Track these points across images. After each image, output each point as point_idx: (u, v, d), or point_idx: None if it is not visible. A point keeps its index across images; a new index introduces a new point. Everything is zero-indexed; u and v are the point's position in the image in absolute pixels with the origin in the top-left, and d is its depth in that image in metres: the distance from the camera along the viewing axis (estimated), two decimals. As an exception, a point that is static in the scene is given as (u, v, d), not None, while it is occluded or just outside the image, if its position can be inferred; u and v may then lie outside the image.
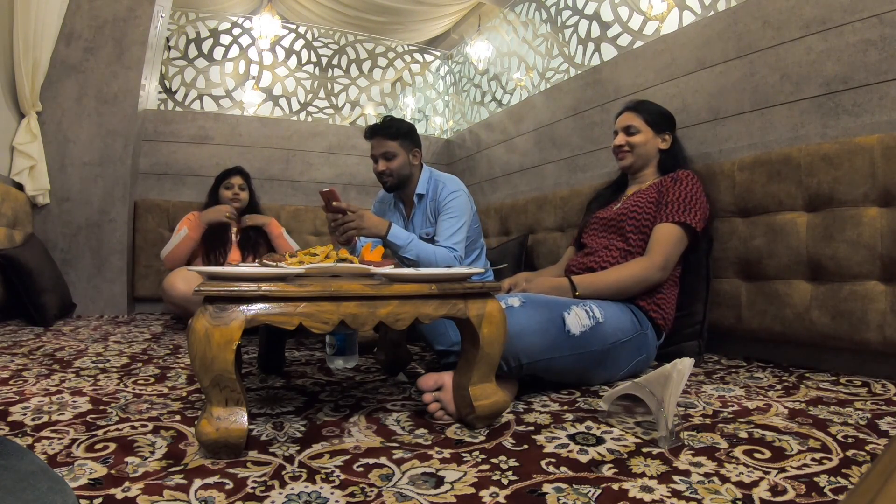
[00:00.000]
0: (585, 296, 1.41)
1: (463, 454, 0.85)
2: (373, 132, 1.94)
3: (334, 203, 1.67)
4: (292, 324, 0.84)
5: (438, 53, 4.66)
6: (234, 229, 2.57)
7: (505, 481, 0.74)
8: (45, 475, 0.40)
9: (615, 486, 0.72)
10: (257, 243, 2.60)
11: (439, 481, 0.74)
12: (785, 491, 0.70)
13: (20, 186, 2.54)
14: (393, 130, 1.92)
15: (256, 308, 0.82)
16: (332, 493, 0.70)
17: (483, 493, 0.70)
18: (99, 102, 2.77)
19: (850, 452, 0.83)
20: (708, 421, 1.01)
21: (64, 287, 2.59)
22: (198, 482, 0.72)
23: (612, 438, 0.92)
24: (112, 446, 0.85)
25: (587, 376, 1.29)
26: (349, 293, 0.87)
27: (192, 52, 3.78)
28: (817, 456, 0.82)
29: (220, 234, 2.50)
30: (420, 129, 4.54)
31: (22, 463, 0.39)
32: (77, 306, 2.68)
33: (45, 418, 0.99)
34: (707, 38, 1.94)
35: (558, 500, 0.68)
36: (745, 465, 0.79)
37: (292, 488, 0.71)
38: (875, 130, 1.42)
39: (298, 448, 0.86)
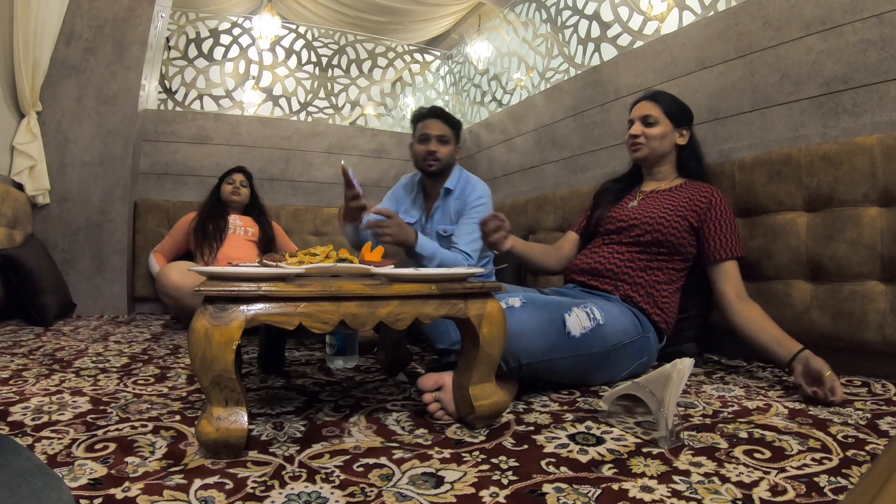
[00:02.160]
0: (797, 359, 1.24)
1: (463, 454, 0.85)
2: (436, 114, 1.97)
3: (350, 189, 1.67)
4: (292, 324, 0.84)
5: (438, 53, 4.66)
6: (231, 218, 2.58)
7: (505, 481, 0.74)
8: (41, 472, 0.40)
9: (615, 486, 0.72)
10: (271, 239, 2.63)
11: (439, 481, 0.74)
12: (785, 491, 0.70)
13: (20, 186, 2.54)
14: (451, 119, 1.97)
15: (256, 308, 0.82)
16: (332, 493, 0.70)
17: (483, 493, 0.70)
18: (99, 102, 2.77)
19: (850, 452, 0.83)
20: (708, 421, 1.01)
21: (64, 287, 2.59)
22: (198, 482, 0.72)
23: (612, 438, 0.92)
24: (112, 446, 0.85)
25: (587, 377, 1.29)
26: (349, 293, 0.87)
27: (192, 52, 3.79)
28: (817, 456, 0.82)
29: (217, 223, 2.50)
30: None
31: (18, 460, 0.39)
32: (77, 306, 2.68)
33: (45, 418, 0.99)
34: (707, 38, 1.94)
35: (558, 500, 0.68)
36: (745, 465, 0.79)
37: (292, 488, 0.71)
38: (875, 130, 1.42)
39: (298, 448, 0.86)
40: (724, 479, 0.74)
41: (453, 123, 1.98)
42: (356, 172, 1.64)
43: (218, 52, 3.89)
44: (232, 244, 2.49)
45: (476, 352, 0.97)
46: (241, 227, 2.58)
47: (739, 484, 0.72)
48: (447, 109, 2.10)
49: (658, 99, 1.62)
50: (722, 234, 1.47)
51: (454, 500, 0.69)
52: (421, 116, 2.00)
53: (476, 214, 1.86)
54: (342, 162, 1.68)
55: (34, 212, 2.65)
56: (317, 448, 0.86)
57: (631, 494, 0.70)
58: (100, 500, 0.66)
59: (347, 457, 0.83)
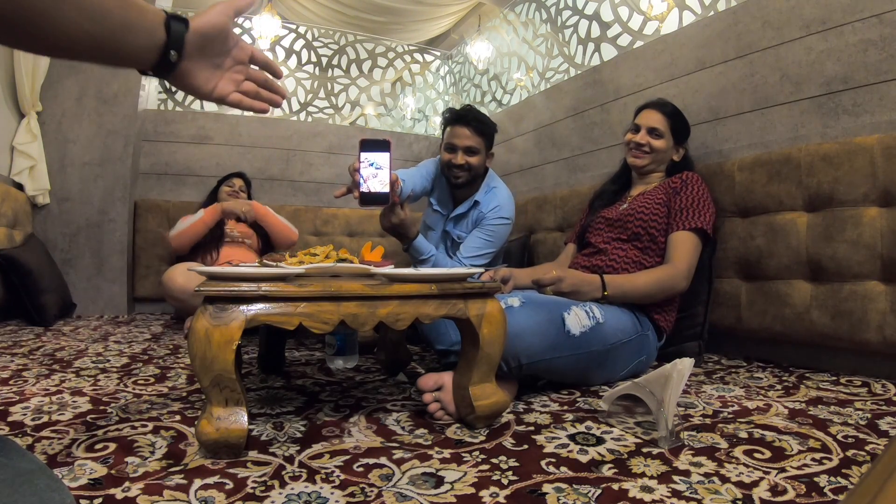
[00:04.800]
0: (614, 297, 1.37)
1: (463, 454, 0.85)
2: (464, 120, 1.77)
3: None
4: (292, 324, 0.84)
5: (438, 53, 4.66)
6: (228, 228, 2.57)
7: (505, 481, 0.74)
8: (44, 474, 0.41)
9: (615, 486, 0.72)
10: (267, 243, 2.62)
11: (439, 481, 0.74)
12: (785, 491, 0.70)
13: (20, 186, 2.54)
14: (483, 126, 1.78)
15: (256, 308, 0.82)
16: (332, 493, 0.70)
17: (483, 493, 0.70)
18: (99, 102, 2.77)
19: (850, 452, 0.83)
20: (708, 421, 1.01)
21: (64, 287, 2.59)
22: (198, 482, 0.72)
23: (612, 438, 0.92)
24: (112, 446, 0.85)
25: (587, 376, 1.29)
26: (349, 293, 0.87)
27: (192, 52, 3.78)
28: (817, 456, 0.82)
29: (213, 232, 2.50)
30: (420, 129, 4.55)
31: (22, 461, 0.40)
32: (77, 306, 2.68)
33: (45, 418, 0.99)
34: (707, 38, 1.94)
35: (558, 500, 0.68)
36: (745, 465, 0.79)
37: (292, 488, 0.71)
38: (875, 130, 1.42)
39: (298, 448, 0.86)
40: (724, 479, 0.74)
41: (484, 131, 1.79)
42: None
43: (218, 52, 3.89)
44: (228, 254, 2.47)
45: (476, 352, 0.97)
46: (238, 238, 2.56)
47: (739, 484, 0.72)
48: (447, 108, 2.01)
49: (667, 112, 1.66)
50: (682, 208, 1.51)
51: (454, 500, 0.69)
52: (450, 120, 1.82)
53: (491, 232, 1.81)
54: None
55: (34, 212, 2.65)
56: (317, 448, 0.86)
57: (631, 494, 0.70)
58: (100, 500, 0.66)
59: (347, 457, 0.83)
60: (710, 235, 1.52)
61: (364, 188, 1.17)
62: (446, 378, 1.04)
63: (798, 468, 0.77)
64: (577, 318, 1.22)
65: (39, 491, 0.37)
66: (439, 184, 1.95)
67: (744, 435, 0.93)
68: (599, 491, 0.71)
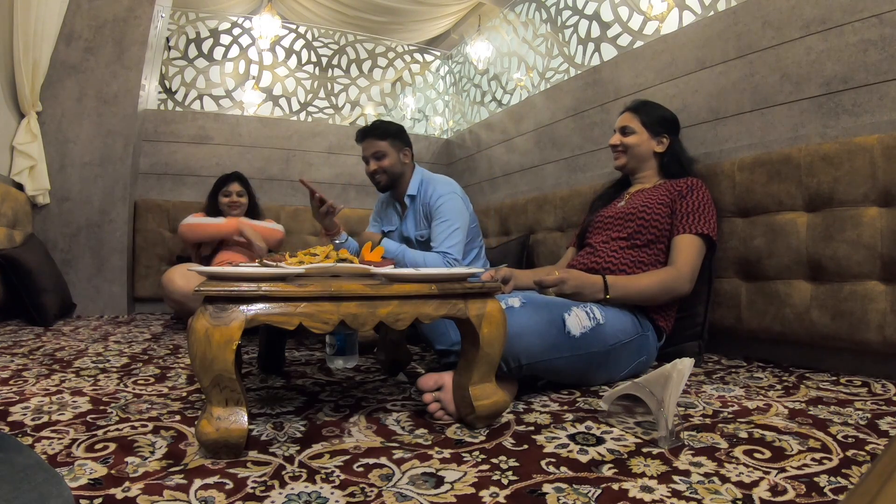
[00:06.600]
0: (616, 298, 1.37)
1: (463, 454, 0.85)
2: (363, 134, 1.99)
3: (316, 195, 1.84)
4: (292, 324, 0.84)
5: (438, 53, 4.66)
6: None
7: (505, 481, 0.74)
8: (42, 468, 0.41)
9: (615, 486, 0.72)
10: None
11: (439, 481, 0.74)
12: (785, 491, 0.70)
13: (20, 186, 2.54)
14: (381, 131, 1.97)
15: (256, 308, 0.82)
16: (332, 493, 0.70)
17: (483, 493, 0.70)
18: (99, 102, 2.77)
19: (850, 452, 0.83)
20: (708, 421, 1.01)
21: (64, 287, 2.59)
22: (198, 482, 0.72)
23: (612, 438, 0.92)
24: (112, 446, 0.85)
25: (587, 377, 1.29)
26: (349, 293, 0.87)
27: (192, 52, 3.79)
28: (817, 456, 0.82)
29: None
30: (420, 129, 4.55)
31: (20, 456, 0.40)
32: (77, 306, 2.68)
33: (45, 418, 0.99)
34: (707, 38, 1.94)
35: (558, 500, 0.68)
36: (745, 465, 0.79)
37: (292, 488, 0.71)
38: (875, 130, 1.42)
39: (298, 448, 0.86)
40: (724, 479, 0.74)
41: (384, 134, 1.96)
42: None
43: (218, 52, 3.89)
44: (226, 256, 2.46)
45: (476, 352, 0.97)
46: (242, 243, 2.55)
47: (739, 484, 0.72)
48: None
49: (637, 110, 1.71)
50: (688, 212, 1.52)
51: (454, 500, 0.69)
52: (357, 140, 2.02)
53: (443, 213, 1.88)
54: (300, 178, 1.86)
55: (34, 212, 2.65)
56: (317, 448, 0.86)
57: (631, 494, 0.70)
58: (100, 500, 0.66)
59: (347, 457, 0.83)
60: (715, 242, 1.53)
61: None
62: (446, 378, 1.04)
63: (798, 468, 0.77)
64: (578, 319, 1.22)
65: (38, 485, 0.38)
66: (382, 211, 2.15)
67: (744, 435, 0.93)
68: (599, 491, 0.71)
